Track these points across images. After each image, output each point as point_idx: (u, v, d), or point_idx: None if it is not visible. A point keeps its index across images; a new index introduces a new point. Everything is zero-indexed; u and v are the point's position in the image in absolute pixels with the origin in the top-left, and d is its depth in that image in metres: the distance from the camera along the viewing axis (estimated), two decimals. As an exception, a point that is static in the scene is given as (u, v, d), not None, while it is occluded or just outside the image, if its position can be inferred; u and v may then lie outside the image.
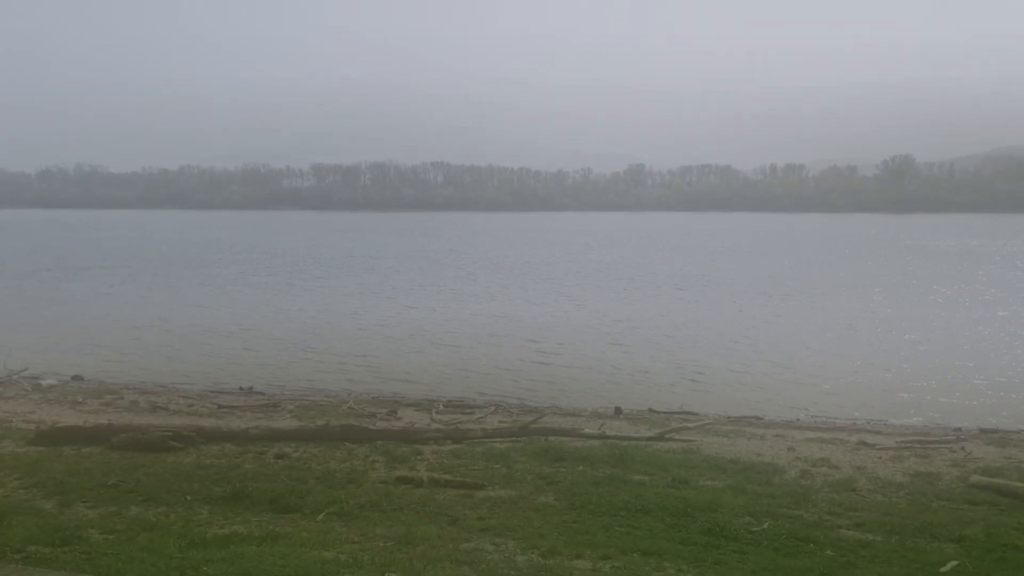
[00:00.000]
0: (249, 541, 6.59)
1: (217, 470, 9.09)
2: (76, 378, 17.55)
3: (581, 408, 14.97)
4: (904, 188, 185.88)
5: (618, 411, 14.36)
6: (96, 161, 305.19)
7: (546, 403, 15.33)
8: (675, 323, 26.06)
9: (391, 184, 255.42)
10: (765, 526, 7.29)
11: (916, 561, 6.61)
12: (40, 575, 5.41)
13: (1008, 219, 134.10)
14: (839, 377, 18.39)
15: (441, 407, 14.39)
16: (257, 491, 8.13)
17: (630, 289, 35.99)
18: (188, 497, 8.00)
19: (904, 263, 50.54)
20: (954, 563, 6.48)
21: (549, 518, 7.54)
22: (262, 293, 34.38)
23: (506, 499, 8.19)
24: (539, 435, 11.41)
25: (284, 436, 10.70)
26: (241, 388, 16.53)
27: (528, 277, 41.74)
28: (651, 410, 14.81)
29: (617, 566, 6.25)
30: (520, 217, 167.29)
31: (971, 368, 19.27)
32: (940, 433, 13.07)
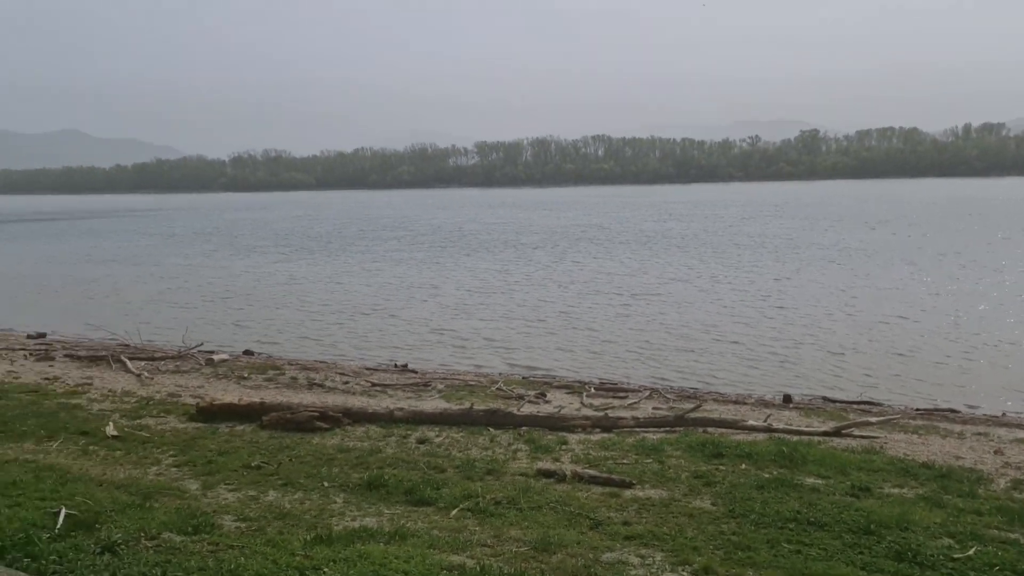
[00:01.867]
0: (377, 538, 6.21)
1: (358, 454, 8.88)
2: (247, 353, 18.29)
3: (745, 395, 13.75)
4: None
5: (787, 399, 13.04)
6: (281, 146, 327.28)
7: (705, 388, 14.23)
8: (847, 301, 23.75)
9: (552, 159, 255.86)
10: (971, 552, 6.04)
11: None
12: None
13: None
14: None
15: (592, 390, 13.67)
16: (394, 479, 7.79)
17: (796, 264, 33.48)
18: (325, 483, 7.79)
19: None
20: None
21: (704, 527, 6.66)
22: (413, 269, 34.92)
23: (656, 501, 7.38)
24: (697, 426, 10.44)
25: (428, 419, 10.39)
26: (396, 365, 16.58)
27: (677, 251, 39.96)
28: (825, 399, 13.35)
29: (784, 595, 5.32)
30: (682, 189, 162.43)
31: None
32: None
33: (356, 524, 6.65)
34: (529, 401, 12.45)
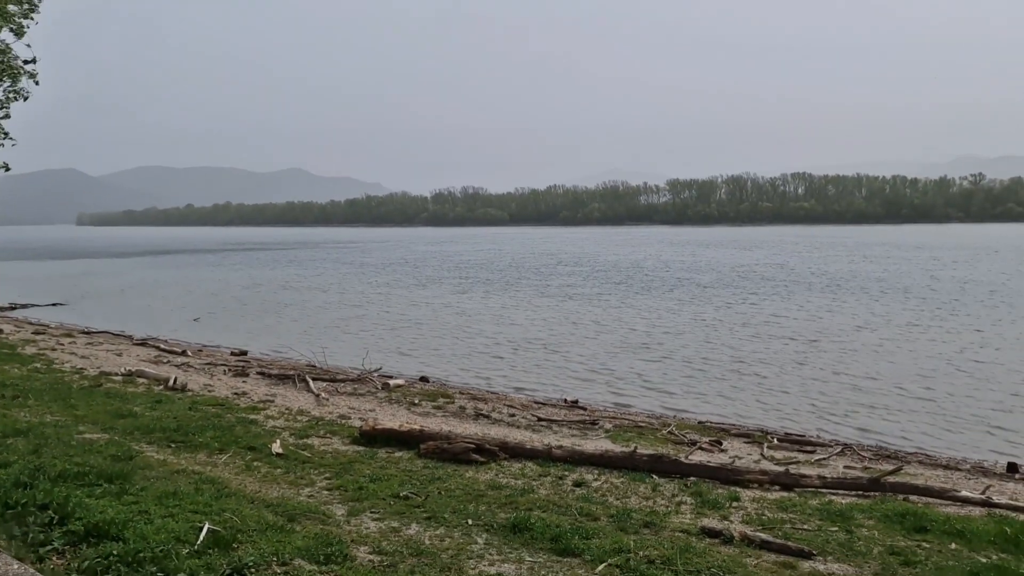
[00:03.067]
0: (510, 589, 5.64)
1: (509, 492, 8.39)
2: (423, 379, 18.57)
3: (957, 459, 11.89)
4: None
5: (1012, 468, 11.10)
6: (478, 183, 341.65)
7: (909, 447, 12.49)
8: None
9: (747, 197, 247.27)
10: None
11: None
12: None
13: None
14: None
15: (775, 441, 12.40)
16: (541, 524, 7.20)
17: (1008, 314, 29.45)
18: (470, 521, 7.35)
19: None
20: None
21: (899, 619, 5.50)
22: (584, 305, 34.32)
23: (840, 579, 6.26)
24: (896, 492, 9.01)
25: (587, 460, 9.73)
26: (565, 401, 16.08)
27: (864, 295, 36.47)
28: (1063, 471, 11.24)
29: None
30: (890, 230, 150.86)
31: None
32: None
33: (492, 570, 6.13)
34: (702, 448, 11.46)
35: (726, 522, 7.66)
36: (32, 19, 7.74)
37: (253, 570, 5.62)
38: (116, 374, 15.83)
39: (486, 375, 19.37)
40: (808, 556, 6.76)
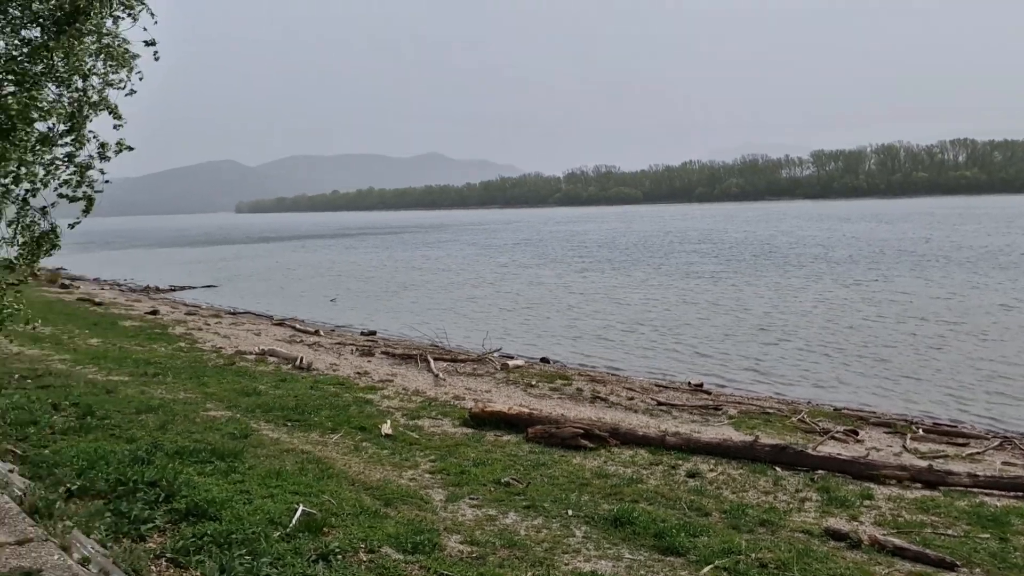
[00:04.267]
0: (604, 590, 5.24)
1: (615, 482, 7.96)
2: (543, 360, 18.31)
3: None
4: None
5: None
6: (611, 162, 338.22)
7: (1083, 443, 11.00)
8: None
9: (900, 167, 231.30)
10: None
11: None
12: None
13: None
14: None
15: (921, 431, 11.26)
16: (645, 518, 6.74)
17: None
18: (570, 511, 6.99)
19: None
20: None
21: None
22: (708, 283, 32.84)
23: (988, 597, 5.45)
24: (1063, 494, 7.89)
25: (704, 448, 9.12)
26: (689, 384, 15.35)
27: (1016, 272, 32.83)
28: None
29: None
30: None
31: None
32: None
33: (587, 568, 5.74)
34: (835, 438, 10.55)
35: (855, 523, 6.92)
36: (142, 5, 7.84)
37: (339, 556, 5.51)
38: (250, 353, 16.51)
39: (605, 356, 18.89)
40: (950, 567, 5.96)
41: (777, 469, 8.52)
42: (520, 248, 63.32)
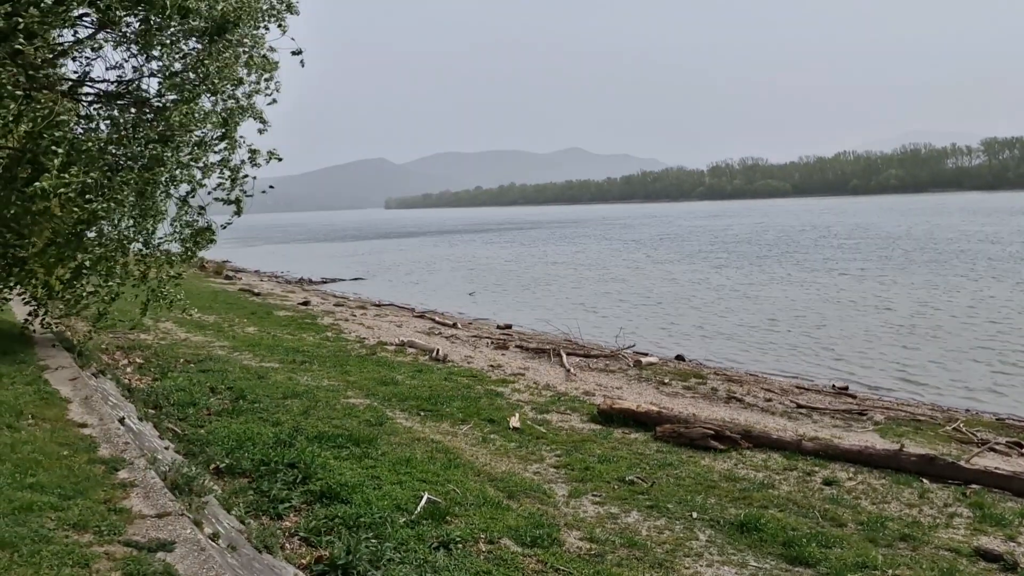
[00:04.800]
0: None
1: (744, 486, 7.69)
2: (678, 358, 17.93)
3: None
4: None
5: None
6: (758, 154, 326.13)
7: None
8: None
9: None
10: None
11: None
12: None
13: None
14: None
15: (1099, 448, 10.15)
16: (774, 524, 6.48)
17: None
18: (694, 514, 6.83)
19: None
20: None
21: None
22: (852, 281, 30.82)
23: None
24: None
25: (843, 455, 8.64)
26: (834, 387, 14.59)
27: None
28: None
29: None
30: None
31: None
32: None
33: (708, 573, 5.61)
34: (994, 450, 9.72)
35: (1011, 544, 6.35)
36: (291, 14, 8.37)
37: (460, 545, 5.65)
38: (391, 344, 17.15)
39: (741, 356, 18.27)
40: (1122, 600, 5.35)
41: (924, 481, 7.95)
42: (657, 243, 62.31)
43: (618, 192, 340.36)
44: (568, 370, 14.94)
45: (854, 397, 13.62)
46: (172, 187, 9.00)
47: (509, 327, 22.72)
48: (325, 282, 38.79)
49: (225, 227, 8.98)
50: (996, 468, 8.25)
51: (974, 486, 7.81)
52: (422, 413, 10.33)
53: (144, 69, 8.14)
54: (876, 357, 17.53)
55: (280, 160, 9.25)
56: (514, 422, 9.90)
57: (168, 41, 7.13)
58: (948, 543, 6.33)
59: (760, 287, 30.99)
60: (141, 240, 10.01)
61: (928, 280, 30.45)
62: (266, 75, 8.24)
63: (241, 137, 8.74)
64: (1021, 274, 30.94)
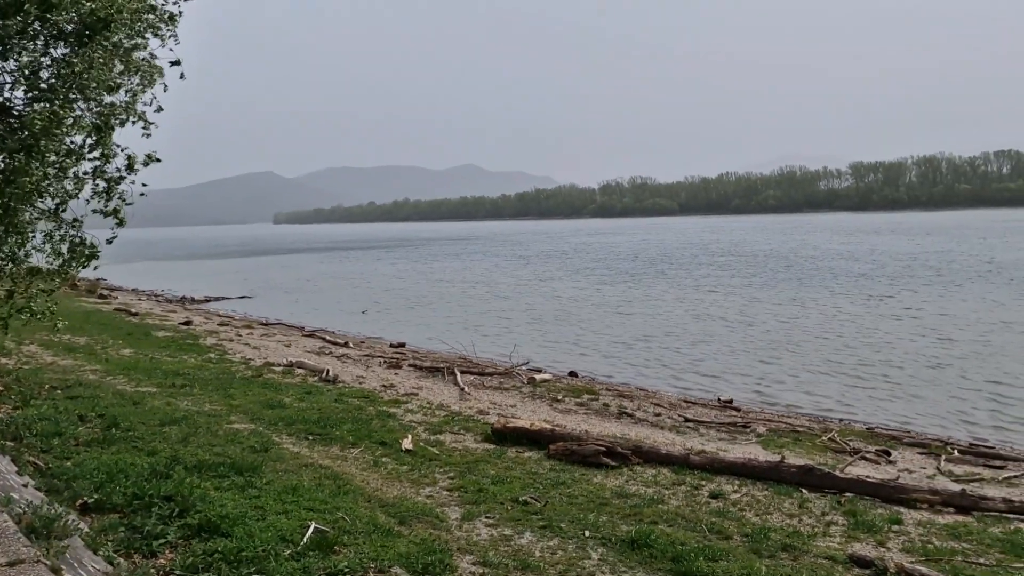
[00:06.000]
0: (615, 616, 5.11)
1: (635, 502, 7.80)
2: (571, 374, 18.15)
3: None
4: None
5: None
6: (646, 173, 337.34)
7: None
8: None
9: (942, 180, 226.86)
10: None
11: None
12: None
13: None
14: None
15: (956, 452, 10.91)
16: (664, 540, 6.58)
17: None
18: (587, 532, 6.86)
19: None
20: None
21: None
22: (727, 297, 32.41)
23: (1019, 632, 5.21)
24: (1106, 523, 7.55)
25: (729, 468, 8.92)
26: (719, 400, 15.10)
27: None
28: None
29: None
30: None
31: None
32: None
33: (600, 592, 5.61)
34: (865, 458, 10.28)
35: (881, 549, 6.69)
36: (172, 25, 8.00)
37: (348, 576, 5.45)
38: (278, 365, 16.60)
39: (632, 371, 18.82)
40: (981, 599, 5.71)
41: (803, 491, 8.30)
42: (545, 260, 63.48)
43: (512, 209, 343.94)
44: (462, 389, 14.86)
45: (738, 410, 14.14)
46: (38, 199, 8.38)
47: (403, 345, 22.45)
48: (209, 301, 37.29)
49: (110, 242, 8.43)
50: (867, 476, 8.71)
51: (848, 494, 8.21)
52: (311, 437, 10.00)
53: (6, 76, 7.60)
54: (757, 370, 18.32)
55: (159, 162, 8.79)
56: (407, 444, 9.72)
57: (31, 46, 6.65)
58: (825, 551, 6.60)
59: (647, 302, 32.06)
60: (4, 256, 9.26)
61: (790, 296, 32.27)
62: (146, 79, 7.82)
63: (116, 145, 8.25)
64: (879, 290, 33.21)
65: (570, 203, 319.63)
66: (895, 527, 7.31)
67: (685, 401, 14.96)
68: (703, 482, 8.57)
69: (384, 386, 14.79)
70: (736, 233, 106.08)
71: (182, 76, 8.55)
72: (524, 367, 17.83)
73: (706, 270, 47.98)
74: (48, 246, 9.34)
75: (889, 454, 10.62)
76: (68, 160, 8.00)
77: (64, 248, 9.36)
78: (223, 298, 38.45)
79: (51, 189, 7.88)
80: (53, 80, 7.15)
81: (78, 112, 7.72)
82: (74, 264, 9.47)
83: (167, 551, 5.78)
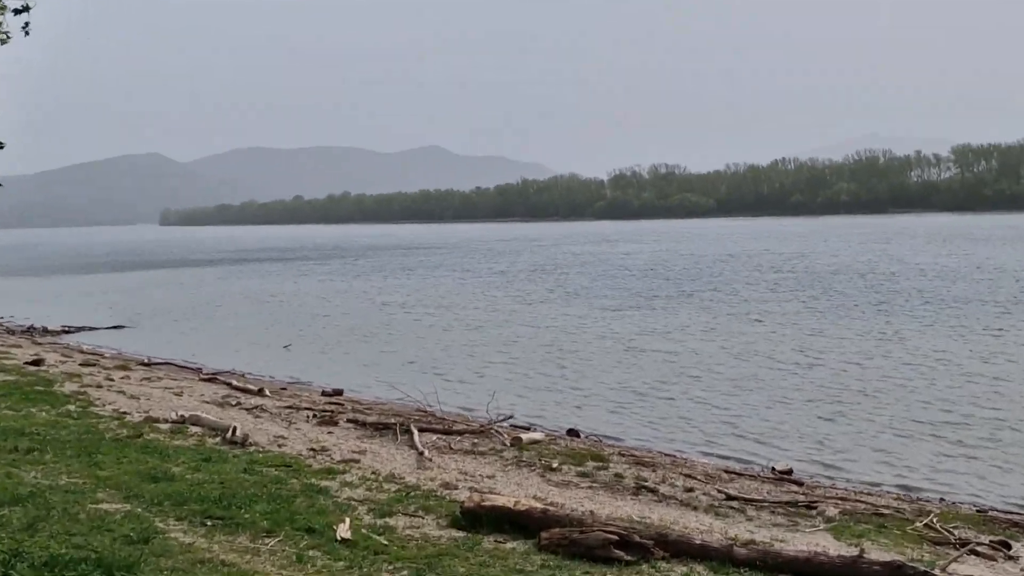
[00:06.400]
0: None
1: (660, 613, 7.78)
2: (571, 433, 18.22)
3: None
4: None
5: None
6: (674, 160, 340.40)
7: None
8: None
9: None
10: None
11: None
12: None
13: None
14: None
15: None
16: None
17: None
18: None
19: None
20: None
21: None
22: (782, 327, 32.68)
23: None
24: None
25: (788, 566, 8.87)
26: (773, 470, 15.16)
27: None
28: None
29: None
30: None
31: None
32: None
33: None
34: (975, 552, 10.31)
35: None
36: None
37: None
38: (165, 421, 16.54)
39: (652, 428, 19.01)
40: None
41: (891, 597, 8.30)
42: (536, 276, 63.83)
43: (490, 206, 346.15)
44: (421, 452, 14.81)
45: (799, 484, 14.19)
46: None
47: (339, 393, 22.49)
48: (69, 332, 37.19)
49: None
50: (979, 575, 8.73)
51: (951, 601, 8.22)
52: (209, 522, 9.93)
53: None
54: (805, 429, 18.44)
55: (1, 147, 8.76)
56: (343, 531, 9.67)
57: None
58: None
59: (675, 337, 32.26)
60: None
61: (865, 328, 32.79)
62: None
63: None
64: (979, 321, 33.63)
65: (569, 199, 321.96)
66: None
67: (726, 472, 14.99)
68: (753, 583, 8.57)
69: (313, 450, 14.76)
70: (794, 241, 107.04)
71: (26, 30, 8.61)
72: (505, 423, 17.88)
73: (751, 292, 48.45)
74: None
75: (1009, 547, 10.67)
76: None
77: None
78: (89, 328, 38.38)
79: None
80: None
81: None
82: None
83: None
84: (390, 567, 8.78)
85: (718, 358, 27.47)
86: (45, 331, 36.99)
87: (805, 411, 19.98)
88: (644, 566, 9.01)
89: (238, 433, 15.29)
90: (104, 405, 18.08)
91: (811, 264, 67.32)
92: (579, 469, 14.34)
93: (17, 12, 8.47)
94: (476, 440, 16.38)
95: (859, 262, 67.07)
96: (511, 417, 18.32)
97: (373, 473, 13.10)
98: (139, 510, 10.15)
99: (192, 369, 26.21)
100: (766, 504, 12.53)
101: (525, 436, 16.63)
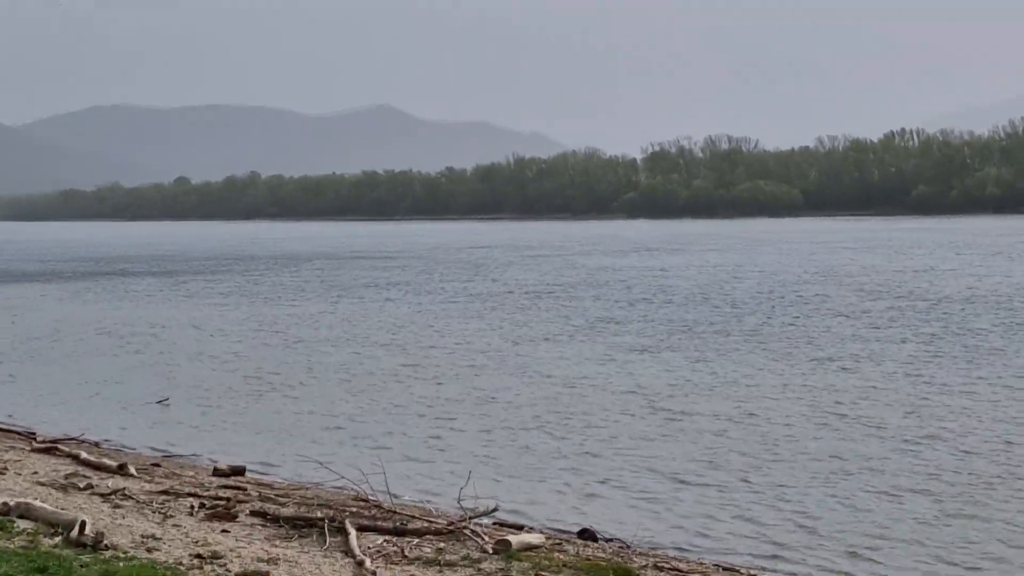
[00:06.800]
0: None
1: None
2: (584, 534, 18.19)
3: None
4: None
5: None
6: (739, 132, 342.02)
7: None
8: None
9: None
10: None
11: None
12: None
13: None
14: None
15: None
16: None
17: None
18: None
19: None
20: None
21: None
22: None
23: None
24: None
25: None
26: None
27: None
28: None
29: None
30: None
31: None
32: None
33: None
34: None
35: None
36: None
37: None
38: (-22, 510, 16.55)
39: (693, 525, 19.17)
40: None
41: None
42: (528, 302, 63.87)
43: (469, 196, 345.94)
44: (361, 563, 14.89)
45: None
46: None
47: (240, 472, 22.50)
48: None
49: None
50: None
51: None
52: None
53: None
54: (930, 539, 18.46)
55: None
56: None
57: None
58: None
59: (728, 390, 32.31)
60: None
61: (995, 373, 33.50)
62: None
63: None
64: None
65: (586, 187, 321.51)
66: None
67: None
68: None
69: (199, 556, 14.79)
70: (918, 253, 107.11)
71: None
72: (486, 519, 17.86)
73: (845, 326, 48.53)
74: None
75: None
76: None
77: None
78: None
79: None
80: None
81: None
82: None
83: None
84: None
85: (796, 427, 27.38)
86: None
87: (923, 507, 19.99)
88: None
89: (88, 530, 15.32)
90: None
91: (936, 286, 67.23)
92: (593, 593, 14.47)
93: None
94: (442, 544, 16.37)
95: (1004, 286, 66.97)
96: (494, 510, 18.29)
97: (289, 595, 13.21)
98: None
99: (20, 434, 26.09)
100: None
101: (515, 539, 16.60)
